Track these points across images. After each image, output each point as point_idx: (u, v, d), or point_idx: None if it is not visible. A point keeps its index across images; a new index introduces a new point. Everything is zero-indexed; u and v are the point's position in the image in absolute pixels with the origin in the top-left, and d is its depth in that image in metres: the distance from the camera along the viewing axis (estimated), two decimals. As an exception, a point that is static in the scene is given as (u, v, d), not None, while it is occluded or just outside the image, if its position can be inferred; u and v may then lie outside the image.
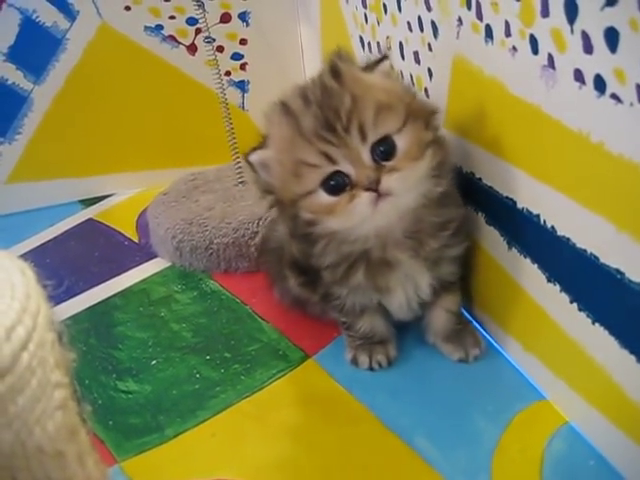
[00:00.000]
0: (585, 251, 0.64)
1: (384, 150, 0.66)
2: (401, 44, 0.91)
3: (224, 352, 0.89)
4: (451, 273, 0.80)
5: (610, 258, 0.61)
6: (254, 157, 0.71)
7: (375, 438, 0.74)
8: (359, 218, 0.68)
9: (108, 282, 1.07)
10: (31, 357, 0.55)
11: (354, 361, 0.85)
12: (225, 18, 1.25)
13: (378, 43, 0.97)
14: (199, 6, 1.12)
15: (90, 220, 1.28)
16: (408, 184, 0.68)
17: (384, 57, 0.72)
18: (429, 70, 0.85)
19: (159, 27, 1.24)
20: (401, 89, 0.71)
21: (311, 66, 1.29)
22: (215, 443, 0.76)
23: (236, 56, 1.29)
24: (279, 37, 1.29)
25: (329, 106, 0.65)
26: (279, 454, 0.74)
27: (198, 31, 1.24)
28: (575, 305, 0.68)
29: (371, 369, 0.83)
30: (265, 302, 0.98)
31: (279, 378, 0.84)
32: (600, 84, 0.57)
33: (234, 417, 0.79)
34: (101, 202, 1.33)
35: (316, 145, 0.65)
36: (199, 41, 1.25)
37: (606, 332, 0.64)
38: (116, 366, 0.89)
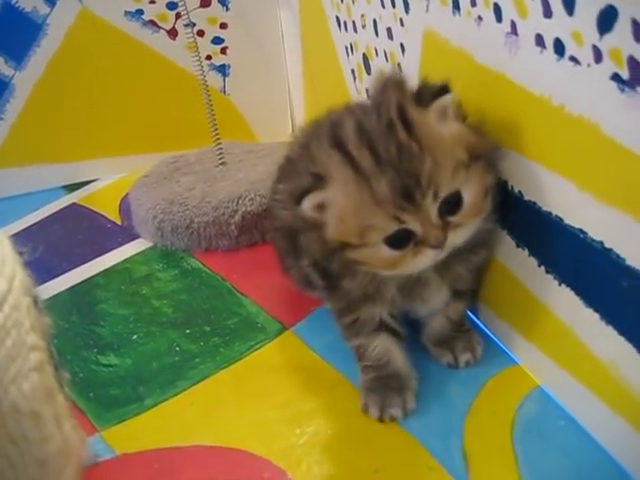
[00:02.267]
0: (550, 214, 0.66)
1: (451, 205, 0.62)
2: (375, 21, 0.92)
3: (204, 326, 0.91)
4: (467, 284, 0.76)
5: (573, 219, 0.63)
6: (307, 204, 0.63)
7: (351, 403, 0.76)
8: (418, 269, 0.65)
9: (90, 262, 1.08)
10: (5, 318, 0.56)
11: (365, 410, 0.75)
12: (205, 2, 1.26)
13: (354, 22, 0.99)
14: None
15: (73, 205, 1.28)
16: (468, 234, 0.65)
17: (444, 88, 0.63)
18: (402, 45, 0.87)
19: (139, 12, 1.25)
20: (463, 129, 0.63)
21: (291, 49, 1.30)
22: (194, 411, 0.78)
23: (216, 40, 1.30)
24: (259, 21, 1.30)
25: (408, 172, 0.59)
26: (256, 419, 0.75)
27: (178, 15, 1.25)
28: (543, 268, 0.69)
29: (381, 420, 0.73)
30: (245, 279, 1.00)
31: (257, 349, 0.86)
32: (559, 47, 0.58)
33: (213, 386, 0.81)
34: (84, 187, 1.34)
35: (388, 210, 0.60)
36: (179, 26, 1.25)
37: (572, 293, 0.66)
38: (97, 341, 0.90)
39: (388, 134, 0.60)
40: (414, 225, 0.61)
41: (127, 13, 1.25)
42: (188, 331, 0.90)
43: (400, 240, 0.62)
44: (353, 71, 1.04)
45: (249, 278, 0.99)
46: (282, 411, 0.76)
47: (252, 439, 0.72)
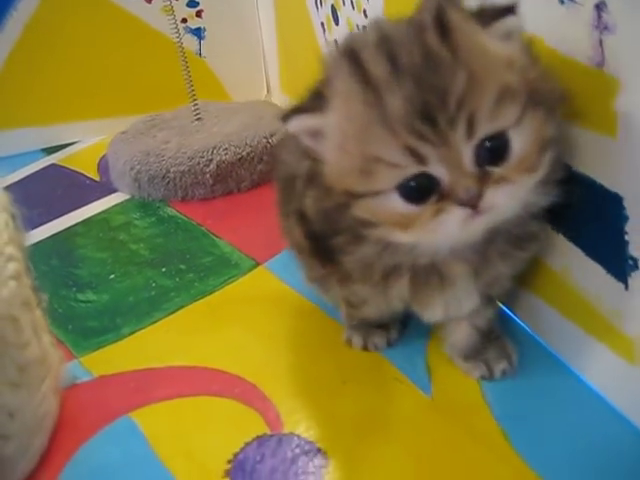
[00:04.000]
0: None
1: (494, 151, 0.48)
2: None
3: (179, 264, 0.94)
4: (502, 290, 0.65)
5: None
6: (296, 124, 0.52)
7: (322, 327, 0.78)
8: (443, 237, 0.51)
9: (70, 214, 1.11)
10: (-16, 230, 0.59)
11: (348, 341, 0.74)
12: (180, -34, 1.29)
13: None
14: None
15: (53, 165, 1.31)
16: (518, 199, 0.51)
17: (510, 8, 0.49)
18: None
19: (115, -25, 1.28)
20: (525, 60, 0.50)
21: (265, 12, 1.33)
22: (169, 337, 0.81)
23: (192, 4, 1.33)
24: (234, -16, 1.33)
25: (433, 85, 0.45)
26: (229, 342, 0.78)
27: (154, -22, 1.28)
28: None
29: (365, 349, 0.73)
30: (219, 223, 1.03)
31: (231, 283, 0.89)
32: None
33: (188, 316, 0.84)
34: (64, 149, 1.37)
35: (403, 138, 0.46)
36: (155, -12, 1.28)
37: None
38: (76, 281, 0.93)
39: (415, 38, 0.47)
40: (438, 168, 0.47)
41: (102, -24, 1.27)
42: (164, 269, 0.93)
43: (419, 190, 0.48)
44: (322, 24, 1.07)
45: (224, 223, 1.03)
46: (255, 335, 0.79)
47: (225, 359, 0.75)
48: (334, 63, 0.51)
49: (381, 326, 0.73)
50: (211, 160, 1.07)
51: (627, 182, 0.54)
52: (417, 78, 0.46)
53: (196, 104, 1.19)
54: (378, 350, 0.73)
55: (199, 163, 1.08)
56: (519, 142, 0.48)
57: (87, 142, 1.38)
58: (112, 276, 0.93)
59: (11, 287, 0.61)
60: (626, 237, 0.55)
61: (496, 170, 0.48)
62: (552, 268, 0.66)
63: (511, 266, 0.59)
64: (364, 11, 0.92)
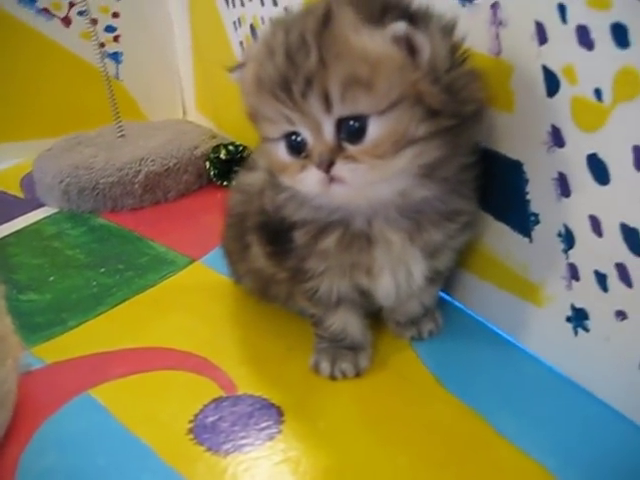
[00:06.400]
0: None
1: (351, 131, 0.55)
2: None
3: (117, 265, 0.99)
4: (446, 264, 0.72)
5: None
6: (231, 75, 0.63)
7: (261, 308, 0.84)
8: (308, 191, 0.60)
9: (-1, 227, 1.13)
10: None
11: (315, 367, 0.73)
12: (97, -9, 1.35)
13: (241, -5, 1.11)
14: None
15: (-26, 186, 1.32)
16: (366, 179, 0.57)
17: (411, 17, 0.56)
18: (285, 9, 0.99)
19: (33, 0, 1.32)
20: (405, 63, 0.55)
21: (181, 35, 1.41)
22: (117, 326, 0.86)
23: (109, 29, 1.40)
24: (149, 9, 1.41)
25: (292, 61, 0.55)
26: (176, 325, 0.84)
27: (72, 4, 1.33)
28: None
29: (333, 378, 0.72)
30: (151, 229, 1.08)
31: (170, 277, 0.95)
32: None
33: (132, 307, 0.89)
34: (-16, 172, 1.38)
35: (270, 98, 0.57)
36: (73, 14, 1.34)
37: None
38: (16, 284, 0.96)
39: (303, 22, 0.57)
40: (303, 130, 0.57)
41: (21, 1, 1.32)
42: (103, 270, 0.98)
43: (293, 145, 0.58)
44: (241, 43, 1.16)
45: (155, 228, 1.09)
46: (199, 318, 0.85)
47: (174, 340, 0.81)
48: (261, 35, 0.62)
49: (351, 348, 0.74)
50: (139, 171, 1.13)
51: (525, 149, 0.65)
52: (287, 54, 0.55)
53: (120, 122, 1.25)
54: (346, 378, 0.72)
55: (128, 174, 1.13)
56: (376, 130, 0.55)
57: (9, 163, 1.39)
58: (51, 278, 0.97)
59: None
60: (527, 197, 0.66)
61: (350, 148, 0.56)
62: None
63: (445, 234, 0.66)
64: None
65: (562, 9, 0.55)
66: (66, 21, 1.36)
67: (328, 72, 0.54)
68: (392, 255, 0.66)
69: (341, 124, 0.55)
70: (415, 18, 0.57)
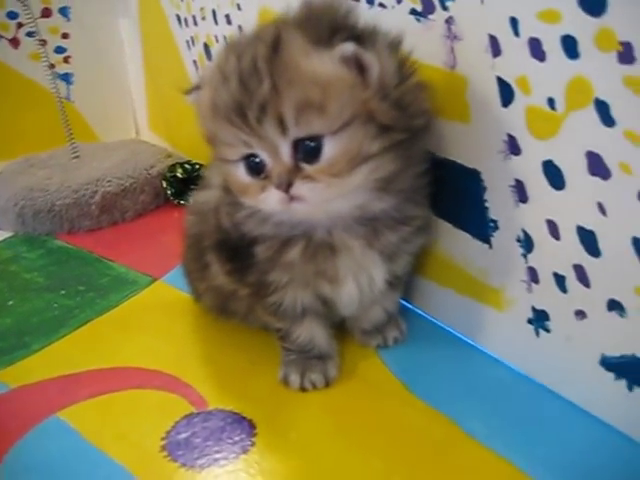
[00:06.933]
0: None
1: (308, 152, 0.57)
2: (214, 11, 1.06)
3: (78, 286, 0.98)
4: (403, 268, 0.74)
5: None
6: (193, 96, 0.64)
7: (224, 324, 0.85)
8: (270, 210, 0.62)
9: (-49, 254, 1.11)
10: None
11: (285, 380, 0.74)
12: (46, 13, 1.34)
13: (194, 16, 1.12)
14: (21, 1, 1.20)
15: None
16: (324, 197, 0.59)
17: (358, 37, 0.57)
18: (239, 27, 1.01)
19: (-20, 22, 1.31)
20: (355, 83, 0.56)
21: (133, 55, 1.41)
22: (82, 347, 0.85)
23: (59, 49, 1.39)
24: (100, 30, 1.40)
25: (246, 88, 0.56)
26: (142, 345, 0.84)
27: (20, 25, 1.32)
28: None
29: (303, 390, 0.73)
30: (109, 250, 1.08)
31: (132, 297, 0.94)
32: (371, -2, 0.74)
33: (95, 328, 0.88)
34: None
35: (225, 123, 0.58)
36: (21, 35, 1.32)
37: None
38: (-28, 310, 0.94)
39: (254, 47, 0.58)
40: (261, 153, 0.58)
41: (-32, 23, 1.30)
42: (63, 292, 0.97)
43: (252, 166, 0.60)
44: (195, 62, 1.17)
45: (113, 249, 1.08)
46: (164, 336, 0.85)
47: (140, 359, 0.81)
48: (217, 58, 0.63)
49: (320, 358, 0.74)
50: (96, 192, 1.12)
51: (482, 158, 0.67)
52: (240, 80, 0.57)
53: (74, 143, 1.24)
54: (316, 388, 0.73)
55: (84, 195, 1.12)
56: (331, 149, 0.57)
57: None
58: (10, 302, 0.95)
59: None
60: (486, 204, 0.69)
61: (307, 167, 0.58)
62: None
63: (400, 237, 0.68)
64: (236, 46, 1.03)
65: (514, 23, 0.58)
66: (14, 42, 1.34)
67: (281, 98, 0.55)
68: (354, 261, 0.68)
69: (297, 145, 0.57)
70: (362, 37, 0.58)
